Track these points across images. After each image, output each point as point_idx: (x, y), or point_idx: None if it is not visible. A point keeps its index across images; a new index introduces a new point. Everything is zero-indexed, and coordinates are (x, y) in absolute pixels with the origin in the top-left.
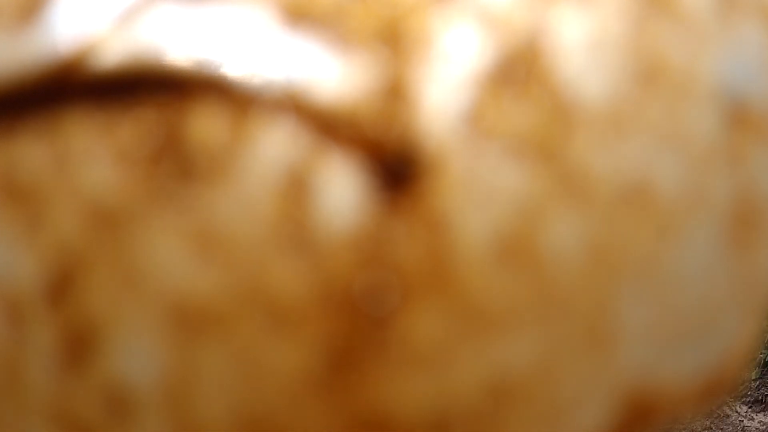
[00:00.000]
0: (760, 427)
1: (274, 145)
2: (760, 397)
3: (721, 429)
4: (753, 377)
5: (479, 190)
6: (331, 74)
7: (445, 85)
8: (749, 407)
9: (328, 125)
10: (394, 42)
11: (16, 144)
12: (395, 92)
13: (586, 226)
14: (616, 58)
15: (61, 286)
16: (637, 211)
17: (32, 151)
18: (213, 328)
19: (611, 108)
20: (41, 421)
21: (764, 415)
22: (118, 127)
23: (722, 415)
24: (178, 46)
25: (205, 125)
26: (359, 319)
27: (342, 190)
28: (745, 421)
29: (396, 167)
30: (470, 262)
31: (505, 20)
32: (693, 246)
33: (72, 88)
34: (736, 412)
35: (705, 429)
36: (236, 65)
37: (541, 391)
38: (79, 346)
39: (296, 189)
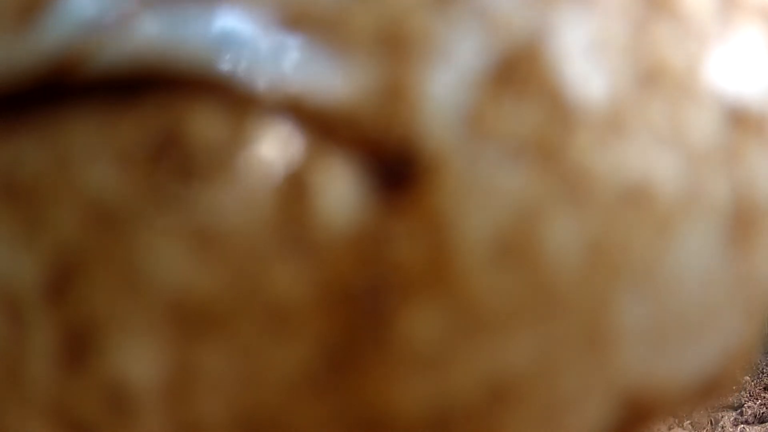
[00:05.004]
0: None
1: (274, 145)
2: None
3: None
4: None
5: (479, 191)
6: (331, 74)
7: (445, 86)
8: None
9: (327, 125)
10: (393, 42)
11: (15, 144)
12: (395, 92)
13: (586, 227)
14: (616, 59)
15: (61, 285)
16: (636, 211)
17: (32, 151)
18: (212, 328)
19: (611, 109)
20: (41, 420)
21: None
22: (118, 126)
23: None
24: (178, 46)
25: (205, 125)
26: (358, 318)
27: (341, 190)
28: None
29: (395, 167)
30: (469, 262)
31: (506, 21)
32: (692, 246)
33: (72, 88)
34: None
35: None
36: (236, 66)
37: (540, 390)
38: (79, 345)
39: (296, 189)
